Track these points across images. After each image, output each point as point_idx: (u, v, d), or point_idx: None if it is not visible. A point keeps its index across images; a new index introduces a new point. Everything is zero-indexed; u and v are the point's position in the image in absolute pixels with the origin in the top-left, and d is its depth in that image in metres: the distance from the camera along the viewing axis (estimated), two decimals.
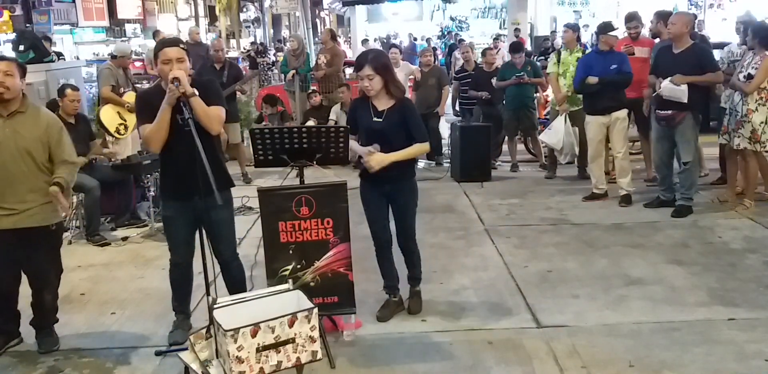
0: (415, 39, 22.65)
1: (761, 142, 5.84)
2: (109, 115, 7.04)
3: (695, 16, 6.26)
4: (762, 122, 5.81)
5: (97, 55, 19.03)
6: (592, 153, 6.73)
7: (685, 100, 5.74)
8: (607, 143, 6.70)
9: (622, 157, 6.56)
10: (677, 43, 5.90)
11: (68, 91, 6.04)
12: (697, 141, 6.14)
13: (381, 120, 3.87)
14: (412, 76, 8.99)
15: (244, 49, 24.31)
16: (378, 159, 3.76)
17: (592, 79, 6.31)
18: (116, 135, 6.98)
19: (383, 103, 3.90)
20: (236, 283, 4.00)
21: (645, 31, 7.90)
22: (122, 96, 7.26)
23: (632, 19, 7.26)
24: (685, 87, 5.73)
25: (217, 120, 3.60)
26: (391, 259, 4.20)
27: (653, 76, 6.12)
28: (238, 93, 8.24)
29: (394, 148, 3.82)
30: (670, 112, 5.92)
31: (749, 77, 5.82)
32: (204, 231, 3.70)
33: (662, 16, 6.80)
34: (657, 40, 7.12)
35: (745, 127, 5.89)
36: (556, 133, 7.34)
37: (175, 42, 3.72)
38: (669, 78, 5.75)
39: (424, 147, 3.92)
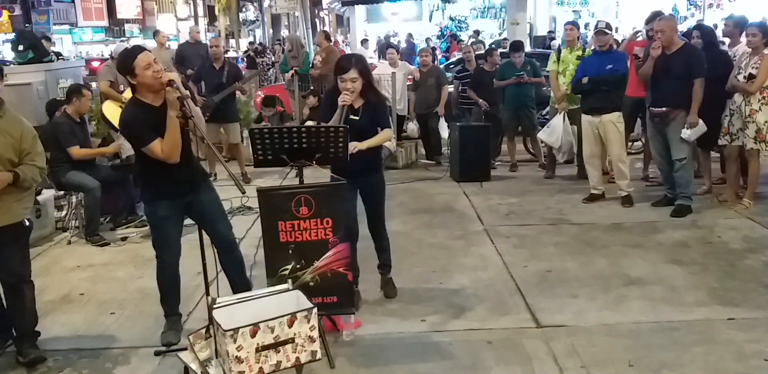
0: (412, 37, 22.68)
1: (766, 141, 5.85)
2: (111, 109, 7.06)
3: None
4: (766, 121, 5.82)
5: (87, 53, 19.20)
6: (586, 153, 6.71)
7: (705, 129, 5.98)
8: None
9: (617, 160, 6.53)
10: (669, 46, 5.95)
11: (85, 90, 6.10)
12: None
13: (358, 118, 4.13)
14: (411, 76, 9.00)
15: (247, 48, 24.32)
16: (358, 145, 4.03)
17: (584, 79, 6.34)
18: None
19: (357, 102, 4.15)
20: (240, 266, 4.07)
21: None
22: (122, 93, 7.29)
23: (654, 18, 7.15)
24: (701, 122, 5.89)
25: (204, 121, 3.84)
26: (356, 252, 4.37)
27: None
28: (237, 93, 8.24)
29: (368, 138, 4.10)
30: (664, 109, 5.97)
31: (751, 77, 5.82)
32: (198, 223, 3.77)
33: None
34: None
35: (749, 128, 5.90)
36: (555, 132, 7.35)
37: (141, 48, 3.79)
38: (685, 125, 5.91)
39: (390, 132, 4.37)
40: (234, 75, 7.94)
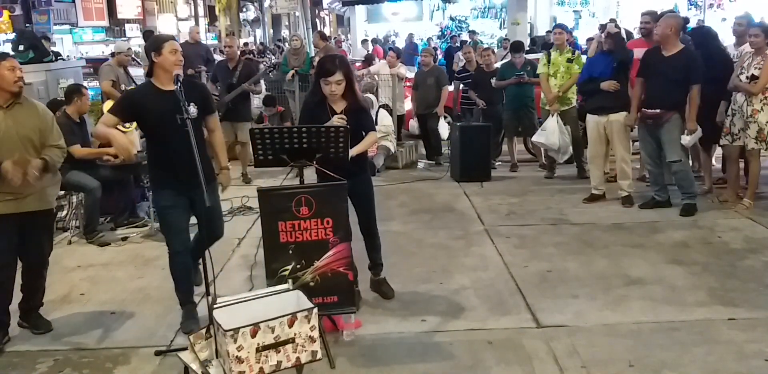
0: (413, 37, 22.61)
1: (767, 141, 5.86)
2: None
3: (685, 20, 6.20)
4: None
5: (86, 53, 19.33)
6: (590, 153, 6.73)
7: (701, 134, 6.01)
8: (608, 143, 6.69)
9: (621, 160, 6.53)
10: (665, 46, 5.93)
11: (84, 90, 6.17)
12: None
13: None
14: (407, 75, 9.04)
15: (243, 49, 24.18)
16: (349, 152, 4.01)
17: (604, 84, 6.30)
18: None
19: (339, 106, 4.13)
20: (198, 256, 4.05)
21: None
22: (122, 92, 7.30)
23: (646, 15, 7.15)
24: (698, 129, 5.91)
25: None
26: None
27: (640, 79, 6.11)
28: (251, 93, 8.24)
29: (353, 142, 4.06)
30: (658, 110, 5.96)
31: (753, 78, 5.82)
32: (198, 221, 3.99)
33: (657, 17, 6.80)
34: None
35: (751, 127, 5.90)
36: (552, 133, 7.36)
37: (173, 37, 4.14)
38: (685, 132, 5.92)
39: (375, 135, 4.33)
40: (246, 75, 7.94)
